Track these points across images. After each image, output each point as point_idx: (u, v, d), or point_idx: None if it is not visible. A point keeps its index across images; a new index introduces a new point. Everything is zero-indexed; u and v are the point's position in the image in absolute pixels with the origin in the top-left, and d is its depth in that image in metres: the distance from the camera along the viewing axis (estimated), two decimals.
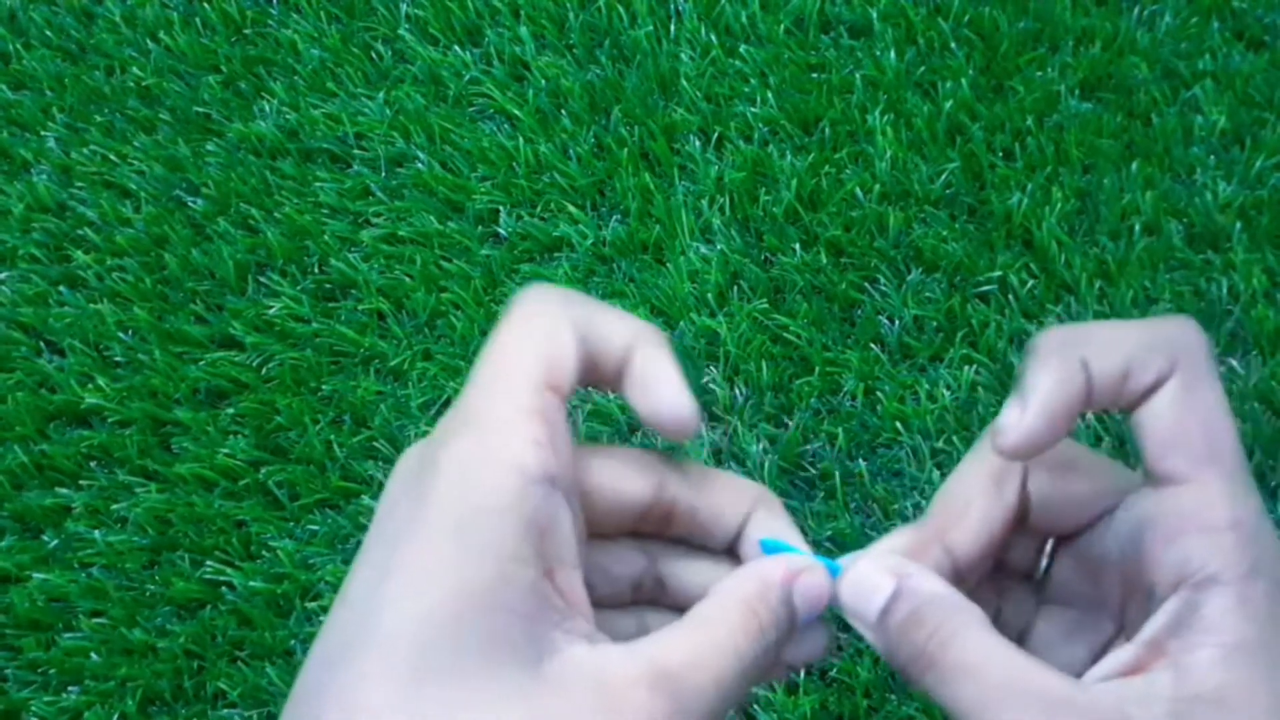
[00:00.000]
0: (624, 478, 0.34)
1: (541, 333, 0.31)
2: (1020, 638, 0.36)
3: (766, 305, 0.90)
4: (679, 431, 0.33)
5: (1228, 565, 0.29)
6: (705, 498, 0.35)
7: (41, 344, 0.97)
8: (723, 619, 0.30)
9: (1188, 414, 0.31)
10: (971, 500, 0.34)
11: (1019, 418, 0.31)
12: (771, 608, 0.31)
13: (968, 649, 0.30)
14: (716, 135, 0.98)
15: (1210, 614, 0.29)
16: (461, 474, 0.29)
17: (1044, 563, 0.37)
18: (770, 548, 0.35)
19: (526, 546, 0.28)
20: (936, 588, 0.32)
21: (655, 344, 0.33)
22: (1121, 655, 0.30)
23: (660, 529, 0.35)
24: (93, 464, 0.92)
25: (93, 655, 0.83)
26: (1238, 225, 0.90)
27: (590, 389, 0.34)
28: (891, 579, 0.32)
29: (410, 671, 0.26)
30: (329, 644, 0.28)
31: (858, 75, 0.99)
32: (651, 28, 1.03)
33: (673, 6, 1.05)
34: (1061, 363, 0.31)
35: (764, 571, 0.32)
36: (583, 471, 0.33)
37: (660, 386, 0.32)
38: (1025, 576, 0.37)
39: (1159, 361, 0.31)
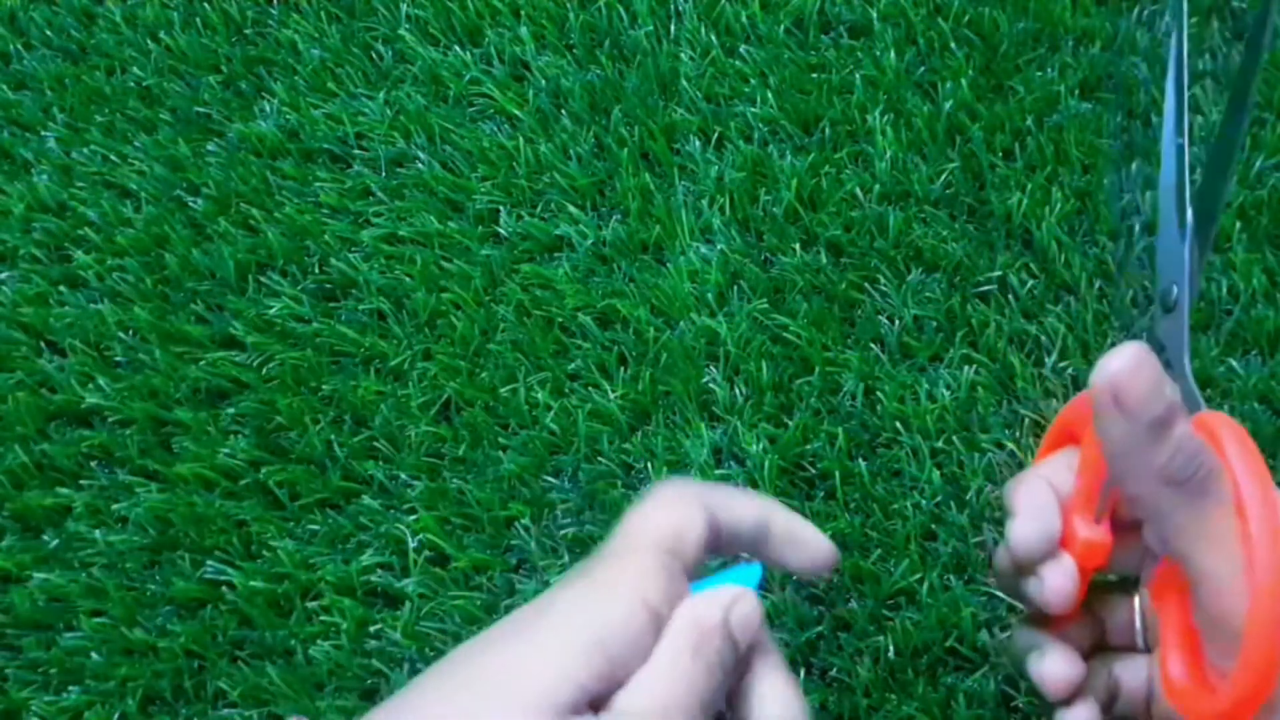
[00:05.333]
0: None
1: (674, 508, 0.39)
2: None
3: (766, 305, 0.90)
4: (828, 568, 0.44)
5: None
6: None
7: (42, 344, 0.97)
8: (679, 668, 0.35)
9: None
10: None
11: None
12: (717, 649, 0.36)
13: None
14: (716, 135, 0.98)
15: None
16: (574, 603, 0.35)
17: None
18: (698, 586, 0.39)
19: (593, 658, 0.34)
20: None
21: (784, 510, 0.43)
22: None
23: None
24: (93, 464, 0.92)
25: (93, 655, 0.83)
26: (1237, 225, 0.90)
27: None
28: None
29: None
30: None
31: (858, 75, 0.99)
32: (651, 28, 1.03)
33: (673, 6, 1.05)
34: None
35: (700, 618, 0.37)
36: None
37: (809, 539, 0.42)
38: None
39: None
